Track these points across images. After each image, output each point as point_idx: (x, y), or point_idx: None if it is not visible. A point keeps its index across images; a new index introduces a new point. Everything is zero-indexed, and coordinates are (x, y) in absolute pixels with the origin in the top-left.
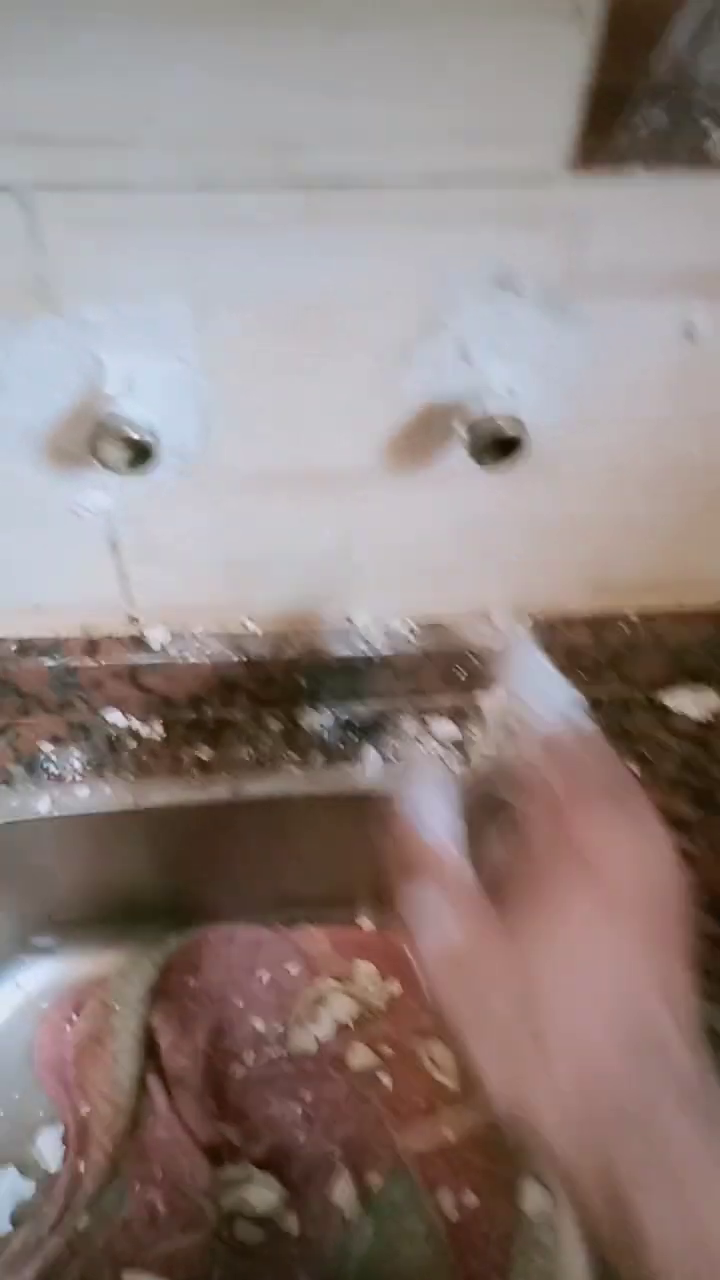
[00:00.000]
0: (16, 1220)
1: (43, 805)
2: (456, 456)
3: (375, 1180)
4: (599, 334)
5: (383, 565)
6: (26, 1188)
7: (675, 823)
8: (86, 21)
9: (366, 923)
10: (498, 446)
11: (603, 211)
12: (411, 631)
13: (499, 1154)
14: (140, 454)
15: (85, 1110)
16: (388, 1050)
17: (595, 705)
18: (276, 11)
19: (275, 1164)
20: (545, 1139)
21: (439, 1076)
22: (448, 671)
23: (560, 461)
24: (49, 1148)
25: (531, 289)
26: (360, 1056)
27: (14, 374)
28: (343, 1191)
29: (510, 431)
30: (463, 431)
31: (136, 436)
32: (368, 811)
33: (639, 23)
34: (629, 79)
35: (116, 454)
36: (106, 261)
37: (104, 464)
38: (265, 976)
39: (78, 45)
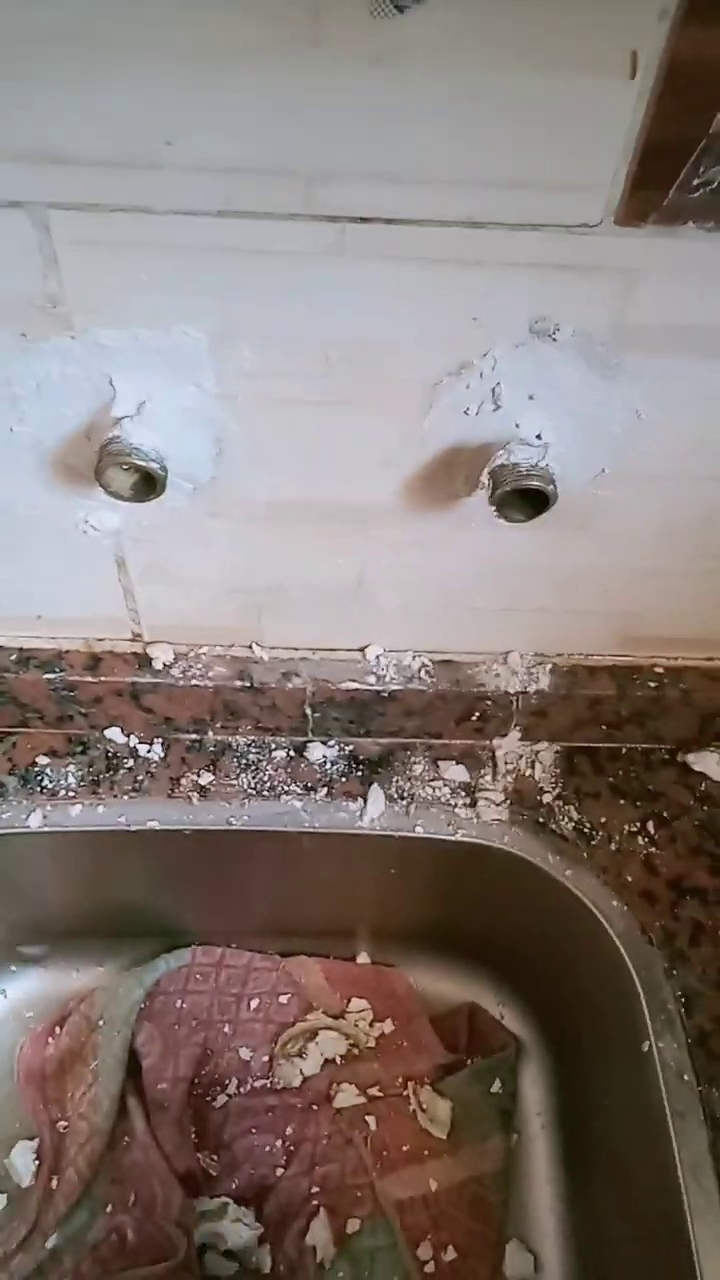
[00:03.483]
0: None
1: (34, 820)
2: (480, 501)
3: (353, 1224)
4: (644, 388)
5: (398, 601)
6: None
7: (691, 891)
8: (122, 49)
9: (364, 958)
10: (521, 499)
11: (651, 266)
12: (425, 669)
13: (484, 1212)
14: (146, 481)
15: (62, 1126)
16: (375, 1092)
17: (614, 758)
18: (319, 48)
19: (251, 1198)
20: None
21: (426, 1125)
22: (461, 712)
23: (594, 514)
24: (23, 1161)
25: (571, 338)
26: (346, 1096)
27: (25, 391)
28: (318, 1233)
29: (536, 484)
30: (485, 479)
31: (142, 464)
32: (371, 851)
33: (700, 80)
34: (686, 135)
35: (122, 480)
36: (122, 284)
37: (108, 490)
38: (254, 1004)
39: (107, 68)
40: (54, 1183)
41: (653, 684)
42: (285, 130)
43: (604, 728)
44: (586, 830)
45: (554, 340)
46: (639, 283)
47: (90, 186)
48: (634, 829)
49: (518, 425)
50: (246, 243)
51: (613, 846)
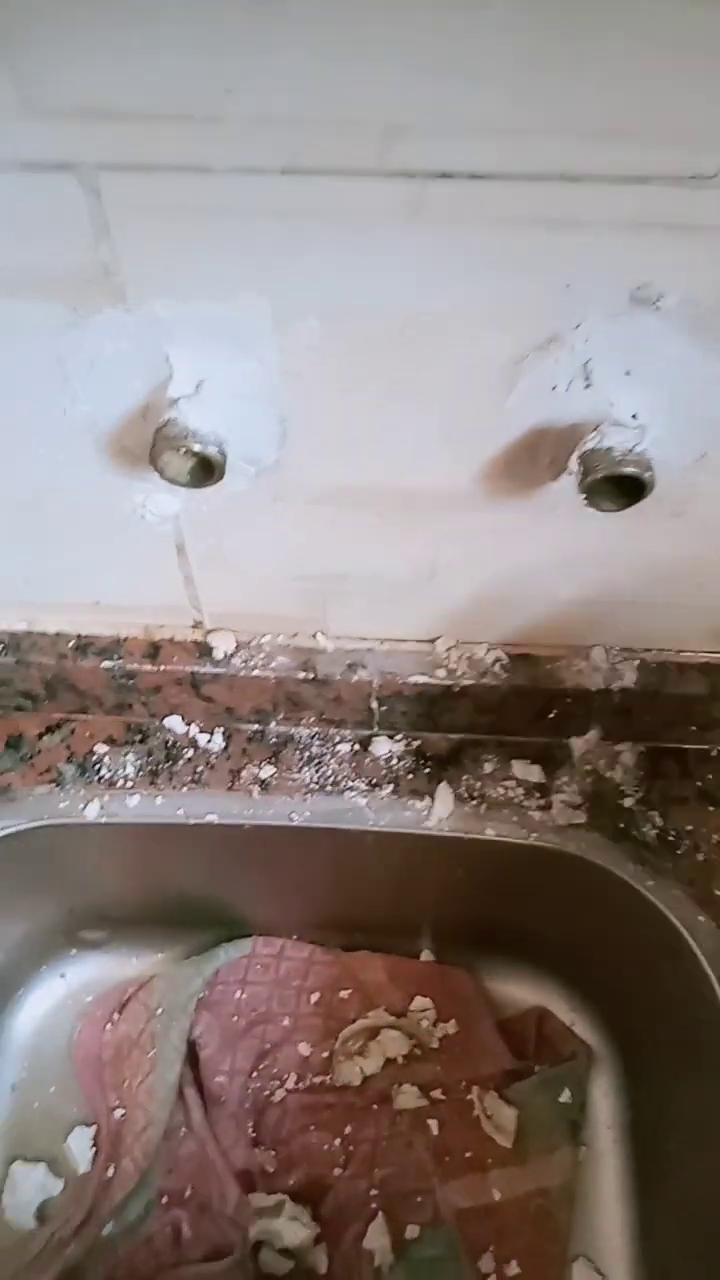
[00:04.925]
0: (41, 1217)
1: (91, 811)
2: (565, 486)
3: (412, 1230)
4: None
5: (472, 591)
6: (54, 1185)
7: None
8: None
9: (427, 956)
10: (614, 486)
11: None
12: (499, 663)
13: (550, 1227)
14: (204, 467)
15: (119, 1114)
16: (438, 1095)
17: (703, 760)
18: None
19: (308, 1196)
20: None
21: (491, 1132)
22: (537, 709)
23: (691, 501)
24: (79, 1147)
25: (676, 308)
26: (408, 1097)
27: (77, 369)
28: (376, 1237)
29: (631, 470)
30: (574, 465)
31: (200, 449)
32: (438, 851)
33: None
34: None
35: (178, 465)
36: (178, 252)
37: (164, 475)
38: (314, 998)
39: (159, 11)
40: (110, 1171)
41: None
42: (356, 75)
43: (693, 728)
44: (671, 838)
45: (657, 309)
46: None
47: (143, 144)
48: None
49: (612, 405)
50: (314, 204)
51: (700, 856)
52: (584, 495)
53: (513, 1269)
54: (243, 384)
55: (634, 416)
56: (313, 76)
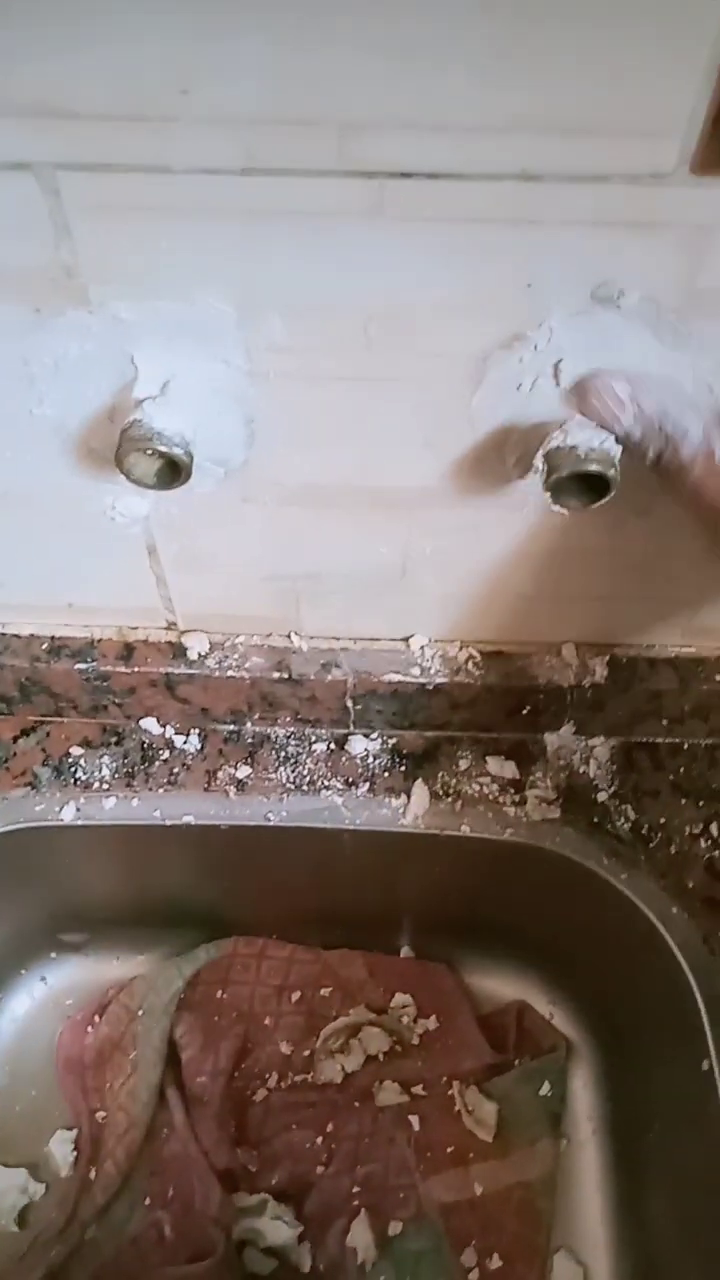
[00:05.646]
0: (23, 1222)
1: (68, 813)
2: (534, 484)
3: (395, 1226)
4: (718, 360)
5: (444, 589)
6: (36, 1189)
7: None
8: None
9: (408, 952)
10: (579, 484)
11: None
12: (472, 660)
13: (531, 1219)
14: (171, 468)
15: (101, 1117)
16: (419, 1091)
17: (675, 754)
18: None
19: (292, 1195)
20: None
21: (472, 1126)
22: (511, 705)
23: (658, 497)
24: (61, 1151)
25: (637, 305)
26: (389, 1094)
27: (42, 371)
28: (359, 1234)
29: (596, 468)
30: (539, 462)
31: (165, 450)
32: (415, 849)
33: None
34: None
35: (145, 466)
36: (140, 252)
37: (130, 477)
38: (295, 996)
39: (114, 9)
40: (92, 1174)
41: (719, 677)
42: (313, 74)
43: (665, 722)
44: (645, 831)
45: (618, 308)
46: (715, 240)
47: (101, 144)
48: (696, 831)
49: None
50: (274, 203)
51: (673, 849)
52: (549, 493)
53: (495, 1261)
54: (209, 385)
55: None
56: (270, 75)
